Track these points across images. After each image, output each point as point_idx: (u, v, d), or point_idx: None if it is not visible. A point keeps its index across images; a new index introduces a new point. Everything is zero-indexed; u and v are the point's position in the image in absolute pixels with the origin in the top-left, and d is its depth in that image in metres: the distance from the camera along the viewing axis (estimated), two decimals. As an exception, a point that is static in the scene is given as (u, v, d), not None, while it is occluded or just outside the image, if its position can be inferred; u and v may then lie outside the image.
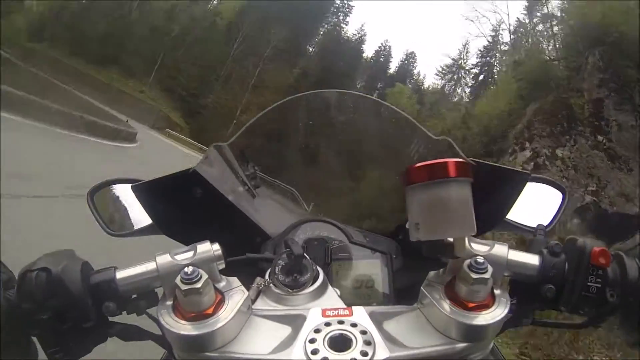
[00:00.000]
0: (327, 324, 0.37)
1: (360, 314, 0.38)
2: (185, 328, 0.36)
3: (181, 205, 0.59)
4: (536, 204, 0.63)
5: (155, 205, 0.58)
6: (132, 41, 33.02)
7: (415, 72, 47.80)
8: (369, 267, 0.65)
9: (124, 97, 29.31)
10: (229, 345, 0.37)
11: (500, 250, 0.41)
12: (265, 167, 0.88)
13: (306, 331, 0.36)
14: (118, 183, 0.71)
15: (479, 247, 0.41)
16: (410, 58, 47.40)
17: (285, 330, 0.38)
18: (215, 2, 40.99)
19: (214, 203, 0.59)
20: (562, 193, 0.67)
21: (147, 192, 0.57)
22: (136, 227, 0.69)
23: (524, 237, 0.64)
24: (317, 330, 0.36)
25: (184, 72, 34.74)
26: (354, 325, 0.37)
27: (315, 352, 0.34)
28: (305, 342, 0.35)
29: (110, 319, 0.41)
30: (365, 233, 0.71)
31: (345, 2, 45.20)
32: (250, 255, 0.49)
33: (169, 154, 15.61)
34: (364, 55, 47.30)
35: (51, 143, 6.49)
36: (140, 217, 0.65)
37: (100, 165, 6.35)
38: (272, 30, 37.72)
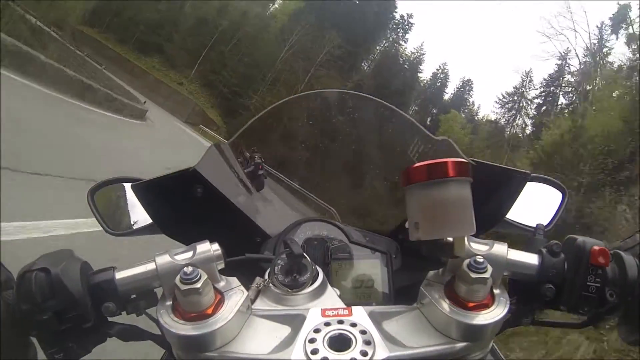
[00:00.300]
0: (327, 324, 0.37)
1: (360, 314, 0.38)
2: (184, 328, 0.36)
3: (181, 205, 0.59)
4: (536, 204, 0.64)
5: (155, 205, 0.58)
6: (178, 31, 32.08)
7: (471, 101, 45.37)
8: (369, 266, 0.65)
9: (160, 87, 28.72)
10: (228, 345, 0.37)
11: (500, 249, 0.41)
12: (266, 165, 0.88)
13: (306, 331, 0.36)
14: (118, 182, 0.71)
15: (479, 247, 0.41)
16: (466, 85, 44.93)
17: (284, 330, 0.38)
18: (275, 5, 39.37)
19: (214, 202, 0.59)
20: (562, 193, 0.67)
21: (147, 191, 0.57)
22: (136, 226, 0.69)
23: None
24: (316, 330, 0.36)
25: (229, 68, 33.10)
26: (353, 325, 0.37)
27: (315, 352, 0.34)
28: (305, 342, 0.35)
29: (109, 319, 0.41)
30: (365, 233, 0.71)
31: (406, 19, 43.29)
32: (249, 255, 0.49)
33: (171, 137, 14.80)
34: (421, 76, 44.60)
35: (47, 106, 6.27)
36: (140, 216, 0.65)
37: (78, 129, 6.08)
38: (327, 36, 35.59)
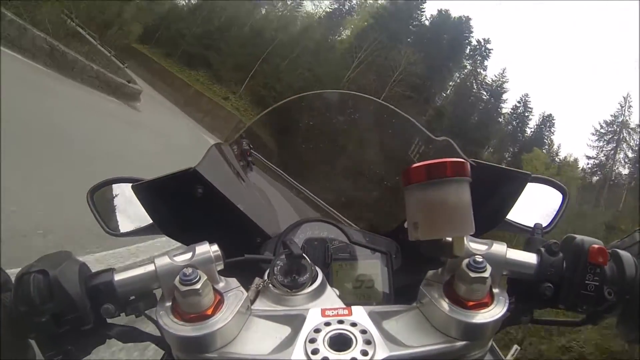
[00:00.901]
0: (327, 324, 0.37)
1: (360, 314, 0.38)
2: (184, 329, 0.36)
3: (181, 205, 0.59)
4: (536, 205, 0.64)
5: (155, 205, 0.58)
6: (229, 44, 30.16)
7: (552, 138, 38.68)
8: (369, 266, 0.65)
9: (202, 100, 26.95)
10: (228, 346, 0.37)
11: (499, 249, 0.42)
12: (266, 165, 0.88)
13: (306, 331, 0.36)
14: (118, 182, 0.71)
15: (478, 246, 0.41)
16: (547, 121, 38.63)
17: (284, 331, 0.38)
18: (345, 34, 35.89)
19: (214, 203, 0.59)
20: (562, 194, 0.67)
21: (147, 191, 0.57)
22: (136, 226, 0.69)
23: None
24: (317, 330, 0.36)
25: (284, 83, 29.76)
26: (353, 324, 0.37)
27: (315, 352, 0.34)
28: (305, 342, 0.35)
29: (108, 320, 0.41)
30: (365, 233, 0.71)
31: (483, 44, 38.69)
32: (248, 256, 0.49)
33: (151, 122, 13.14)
34: (503, 107, 38.98)
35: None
36: (140, 216, 0.65)
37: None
38: (403, 51, 31.80)
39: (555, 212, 0.67)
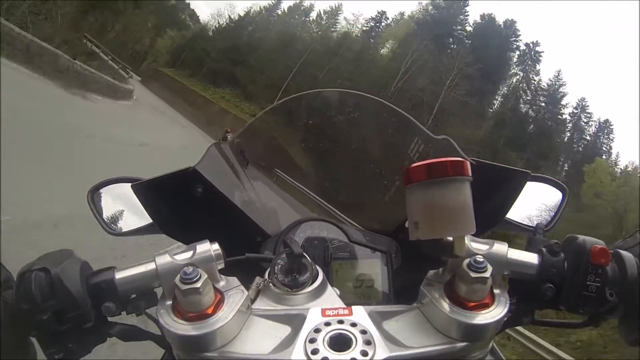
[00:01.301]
0: (327, 324, 0.37)
1: (360, 314, 0.38)
2: (184, 328, 0.36)
3: (181, 205, 0.59)
4: (536, 203, 0.64)
5: (155, 205, 0.59)
6: (257, 57, 28.83)
7: (611, 145, 34.66)
8: (369, 266, 0.65)
9: (226, 116, 25.94)
10: (228, 345, 0.37)
11: (500, 249, 0.41)
12: (266, 164, 0.88)
13: (306, 331, 0.36)
14: (118, 182, 0.71)
15: (479, 246, 0.41)
16: (604, 128, 34.83)
17: (285, 330, 0.38)
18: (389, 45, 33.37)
19: (214, 202, 0.60)
20: (562, 192, 0.67)
21: (146, 191, 0.57)
22: (136, 226, 0.69)
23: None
24: (317, 330, 0.36)
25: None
26: (353, 324, 0.37)
27: (315, 352, 0.34)
28: (305, 342, 0.35)
29: (109, 319, 0.41)
30: (365, 232, 0.71)
31: (532, 48, 35.45)
32: (249, 255, 0.49)
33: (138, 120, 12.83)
34: (563, 113, 35.18)
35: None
36: (140, 216, 0.65)
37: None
38: (458, 52, 29.05)
39: (554, 211, 0.67)
